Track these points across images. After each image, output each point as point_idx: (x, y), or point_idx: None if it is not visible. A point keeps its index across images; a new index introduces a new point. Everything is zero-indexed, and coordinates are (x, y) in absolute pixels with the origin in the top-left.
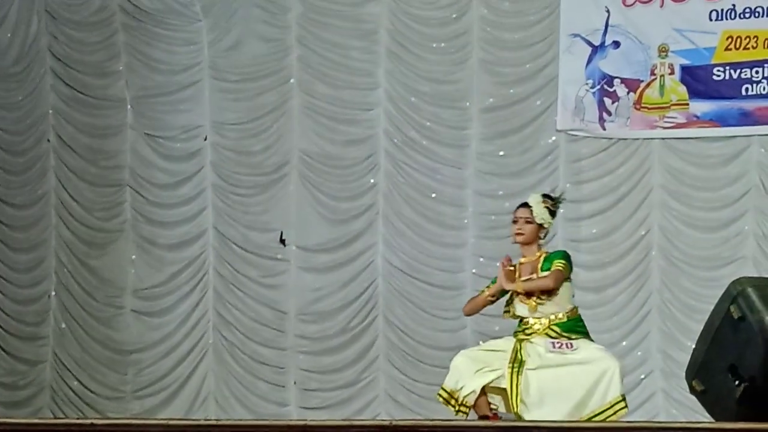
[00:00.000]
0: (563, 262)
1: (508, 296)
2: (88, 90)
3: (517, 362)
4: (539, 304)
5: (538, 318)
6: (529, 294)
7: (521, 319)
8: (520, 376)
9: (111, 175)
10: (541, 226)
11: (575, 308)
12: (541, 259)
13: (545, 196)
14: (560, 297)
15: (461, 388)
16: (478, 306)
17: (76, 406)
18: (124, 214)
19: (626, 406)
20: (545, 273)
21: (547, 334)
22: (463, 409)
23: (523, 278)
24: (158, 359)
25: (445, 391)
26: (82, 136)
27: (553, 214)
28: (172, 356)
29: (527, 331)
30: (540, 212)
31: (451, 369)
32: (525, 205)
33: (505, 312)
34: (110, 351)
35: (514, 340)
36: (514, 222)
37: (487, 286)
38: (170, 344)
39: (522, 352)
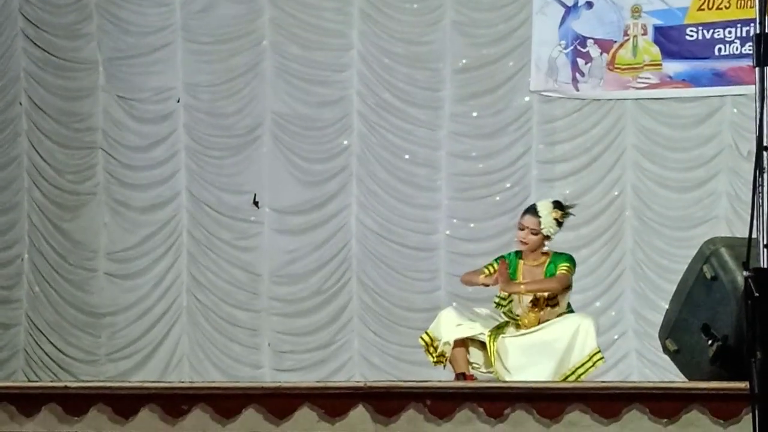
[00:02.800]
0: (568, 265)
1: (504, 293)
2: (60, 52)
3: (497, 331)
4: (540, 314)
5: (528, 315)
6: (535, 304)
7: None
8: (496, 342)
9: (83, 138)
10: (547, 236)
11: (568, 306)
12: (546, 262)
13: (556, 205)
14: (560, 307)
15: (440, 338)
16: (474, 284)
17: (50, 369)
18: (96, 176)
19: (603, 357)
20: (567, 266)
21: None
22: (441, 359)
23: (525, 281)
24: (132, 322)
25: (428, 335)
26: (54, 98)
27: (560, 224)
28: (145, 319)
29: (515, 322)
30: (548, 224)
31: (437, 317)
32: (533, 212)
33: (497, 305)
34: (84, 314)
35: (506, 319)
36: (520, 229)
37: (491, 264)
38: (144, 307)
39: (506, 328)
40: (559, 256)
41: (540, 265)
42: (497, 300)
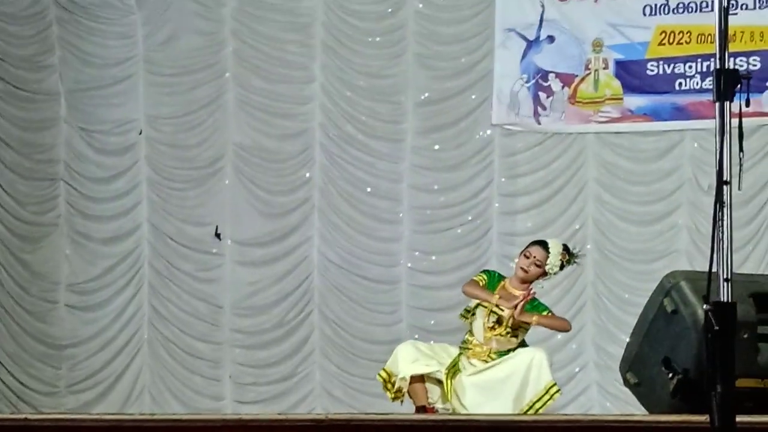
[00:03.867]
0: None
1: (474, 305)
2: (22, 83)
3: (453, 369)
4: (497, 338)
5: (482, 344)
6: (495, 327)
7: (466, 338)
8: (453, 380)
9: (45, 169)
10: (545, 273)
11: (520, 343)
12: (527, 298)
13: (565, 248)
14: (517, 339)
15: (397, 373)
16: (476, 297)
17: (9, 401)
18: (58, 208)
19: (559, 389)
20: (548, 314)
21: (485, 360)
22: (398, 395)
23: (536, 314)
24: (93, 354)
25: (386, 371)
26: (16, 129)
27: (562, 268)
28: (106, 351)
29: (468, 352)
30: (554, 263)
31: (394, 353)
32: (544, 246)
33: (462, 316)
34: (44, 345)
35: (459, 351)
36: (526, 257)
37: (482, 276)
38: (105, 339)
39: (460, 364)
40: (539, 302)
41: (521, 298)
42: (463, 313)
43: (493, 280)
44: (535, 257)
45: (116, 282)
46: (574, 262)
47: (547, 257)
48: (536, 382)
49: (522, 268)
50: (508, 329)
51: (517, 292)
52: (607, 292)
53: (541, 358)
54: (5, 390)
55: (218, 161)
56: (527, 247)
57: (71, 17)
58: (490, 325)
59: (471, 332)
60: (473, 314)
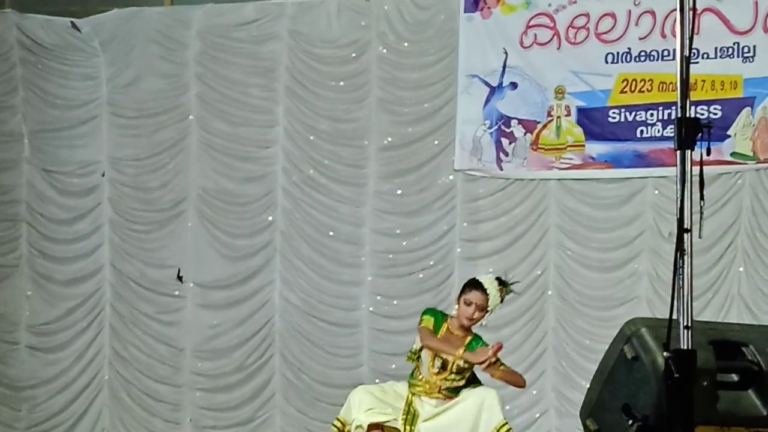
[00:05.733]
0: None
1: (419, 347)
2: None
3: (410, 415)
4: (443, 381)
5: (429, 381)
6: (441, 370)
7: (414, 374)
8: (413, 427)
9: (7, 210)
10: (488, 312)
11: (469, 377)
12: (468, 338)
13: (500, 281)
14: (464, 378)
15: (352, 421)
16: (440, 352)
17: None
18: (19, 249)
19: (510, 428)
20: (505, 368)
21: (435, 396)
22: None
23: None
24: (53, 395)
25: (339, 421)
26: None
27: (502, 300)
28: (66, 393)
29: (417, 388)
30: (494, 301)
31: (347, 401)
32: (481, 289)
33: (409, 359)
34: (4, 387)
35: (408, 389)
36: (468, 305)
37: (428, 320)
38: (65, 380)
39: (414, 405)
40: (480, 339)
41: (461, 337)
42: (409, 355)
43: (438, 320)
44: (476, 303)
45: (77, 324)
46: (511, 291)
47: (488, 299)
48: (487, 424)
49: (468, 318)
50: (453, 372)
51: (457, 332)
52: (567, 338)
53: (492, 399)
54: None
55: (181, 204)
56: (464, 293)
57: (35, 58)
58: (436, 370)
59: (419, 369)
60: (418, 357)
